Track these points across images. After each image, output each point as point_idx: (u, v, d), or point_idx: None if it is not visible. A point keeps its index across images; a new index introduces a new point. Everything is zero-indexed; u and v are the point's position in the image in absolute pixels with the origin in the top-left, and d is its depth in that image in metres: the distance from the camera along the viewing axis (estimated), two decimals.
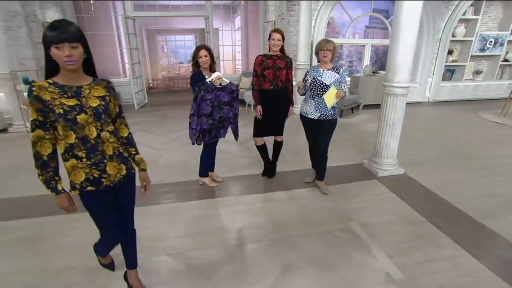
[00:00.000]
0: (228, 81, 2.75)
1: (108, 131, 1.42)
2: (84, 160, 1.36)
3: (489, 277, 1.97)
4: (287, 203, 2.89)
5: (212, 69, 2.77)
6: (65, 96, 1.29)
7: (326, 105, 2.70)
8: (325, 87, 2.70)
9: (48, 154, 1.34)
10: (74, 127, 1.31)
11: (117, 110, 1.51)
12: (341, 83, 2.70)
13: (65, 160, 1.36)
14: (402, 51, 3.02)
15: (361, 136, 4.78)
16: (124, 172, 1.52)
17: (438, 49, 7.13)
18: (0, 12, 4.76)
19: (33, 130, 1.31)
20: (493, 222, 2.53)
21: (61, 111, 1.27)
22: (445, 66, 7.39)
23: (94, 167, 1.39)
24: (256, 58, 2.94)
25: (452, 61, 7.46)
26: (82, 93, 1.33)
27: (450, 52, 7.37)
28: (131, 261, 1.82)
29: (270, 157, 3.36)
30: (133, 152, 1.60)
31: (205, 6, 7.04)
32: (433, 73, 7.34)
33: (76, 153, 1.35)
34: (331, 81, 2.70)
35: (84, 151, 1.36)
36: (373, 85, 6.51)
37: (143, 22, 11.13)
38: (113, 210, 1.57)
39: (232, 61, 10.92)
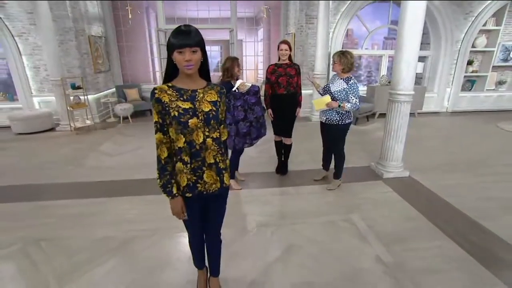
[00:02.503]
0: (250, 84, 3.03)
1: (212, 137, 1.40)
2: (188, 165, 1.39)
3: (473, 265, 2.17)
4: (295, 197, 3.21)
5: (237, 78, 3.07)
6: (181, 99, 1.33)
7: (315, 106, 3.03)
8: (331, 94, 3.01)
9: (165, 158, 1.38)
10: (184, 131, 1.33)
11: (223, 115, 1.49)
12: (348, 94, 2.94)
13: (175, 162, 1.42)
14: (406, 59, 3.28)
15: (372, 142, 4.99)
16: (219, 185, 1.48)
17: (456, 60, 7.17)
18: (57, 28, 5.57)
19: (156, 132, 1.37)
20: (488, 222, 2.69)
21: (176, 114, 1.31)
22: (465, 76, 7.39)
23: (192, 172, 1.40)
24: (268, 67, 3.34)
25: (472, 71, 7.44)
26: (197, 97, 1.35)
27: (470, 63, 7.37)
28: (213, 268, 1.85)
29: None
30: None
31: (230, 20, 7.60)
32: (452, 83, 7.36)
33: (182, 157, 1.38)
34: (337, 89, 2.97)
35: (189, 156, 1.38)
36: (388, 95, 6.65)
37: None
38: (200, 217, 1.60)
39: (254, 70, 11.45)
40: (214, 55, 14.08)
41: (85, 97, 5.78)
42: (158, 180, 1.41)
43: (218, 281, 1.90)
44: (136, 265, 2.19)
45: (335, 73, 3.09)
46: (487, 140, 5.24)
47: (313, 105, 3.06)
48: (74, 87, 5.62)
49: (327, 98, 2.95)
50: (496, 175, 3.72)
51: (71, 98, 5.67)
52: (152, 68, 8.92)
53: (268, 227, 2.65)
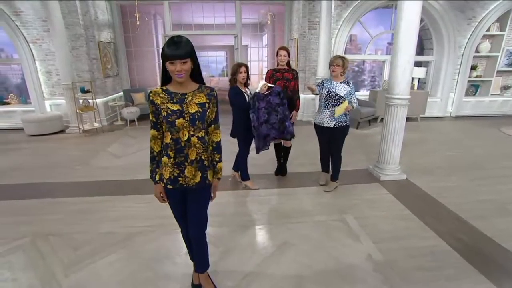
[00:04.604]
0: (272, 85, 3.12)
1: (197, 136, 1.55)
2: (171, 159, 1.55)
3: (463, 265, 2.22)
4: (292, 197, 3.31)
5: (246, 85, 3.18)
6: (171, 101, 1.49)
7: (335, 113, 3.11)
8: (339, 98, 3.11)
9: (158, 151, 1.61)
10: (172, 129, 1.50)
11: (213, 116, 1.63)
12: (351, 95, 3.11)
13: (162, 156, 1.60)
14: (401, 64, 3.36)
15: (372, 145, 5.04)
16: (197, 180, 1.61)
17: (460, 65, 7.18)
18: (69, 35, 5.84)
19: (150, 128, 1.58)
20: (480, 222, 2.74)
21: (165, 114, 1.48)
22: (469, 81, 7.39)
23: (176, 166, 1.56)
24: (267, 72, 3.47)
25: (476, 76, 7.44)
26: (185, 100, 1.51)
27: (474, 68, 7.37)
28: (197, 264, 1.90)
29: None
30: (216, 159, 1.70)
31: (235, 25, 7.79)
32: (455, 88, 7.37)
33: (168, 152, 1.54)
34: (344, 93, 3.10)
35: (174, 151, 1.54)
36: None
37: None
38: (182, 209, 1.73)
39: (259, 75, 11.63)
40: (220, 60, 14.36)
41: (94, 100, 6.01)
42: (150, 167, 1.66)
43: (206, 277, 1.94)
44: (137, 258, 2.31)
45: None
46: (488, 144, 5.25)
47: (336, 113, 3.08)
48: (83, 90, 5.85)
49: (346, 103, 3.04)
50: (493, 178, 3.75)
51: (81, 101, 5.90)
52: (159, 73, 9.17)
53: (263, 225, 2.76)
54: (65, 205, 3.14)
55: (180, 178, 1.58)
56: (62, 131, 6.16)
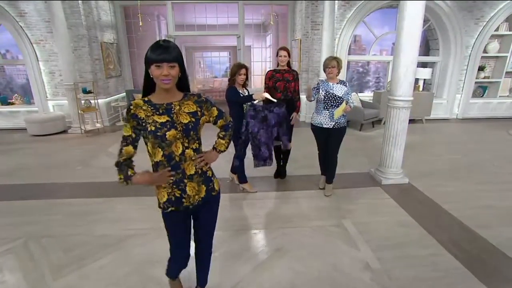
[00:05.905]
0: (275, 100, 3.05)
1: (192, 148, 1.41)
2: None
3: (465, 275, 2.13)
4: (290, 201, 3.24)
5: (244, 86, 3.15)
6: (157, 113, 1.32)
7: (335, 115, 3.06)
8: (338, 98, 3.05)
9: (125, 159, 1.37)
10: (162, 144, 1.33)
11: (215, 114, 1.51)
12: (348, 95, 3.08)
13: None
14: (403, 65, 3.27)
15: (374, 148, 4.93)
16: (203, 194, 1.48)
17: (467, 66, 7.02)
18: (72, 36, 5.87)
19: (126, 145, 1.35)
20: (484, 230, 2.64)
21: (153, 128, 1.29)
22: (476, 82, 7.22)
23: (175, 186, 1.40)
24: (267, 72, 3.41)
25: (484, 77, 7.26)
26: (173, 109, 1.35)
27: (481, 69, 7.20)
28: (201, 279, 1.84)
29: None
30: (221, 135, 1.59)
31: (238, 26, 7.75)
32: (462, 90, 7.21)
33: (160, 171, 1.37)
34: (342, 93, 3.05)
35: (168, 169, 1.38)
36: None
37: (183, 40, 12.31)
38: (188, 231, 1.60)
39: (262, 76, 11.58)
40: (223, 61, 14.35)
41: (95, 101, 6.03)
42: (118, 173, 1.38)
43: None
44: (129, 261, 2.28)
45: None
46: (495, 147, 5.10)
47: (335, 115, 3.05)
48: (85, 91, 5.87)
49: (344, 104, 3.01)
50: (500, 183, 3.63)
51: (82, 102, 5.92)
52: None
53: (259, 230, 2.70)
54: (64, 206, 3.13)
55: (184, 199, 1.42)
56: (64, 132, 6.20)
